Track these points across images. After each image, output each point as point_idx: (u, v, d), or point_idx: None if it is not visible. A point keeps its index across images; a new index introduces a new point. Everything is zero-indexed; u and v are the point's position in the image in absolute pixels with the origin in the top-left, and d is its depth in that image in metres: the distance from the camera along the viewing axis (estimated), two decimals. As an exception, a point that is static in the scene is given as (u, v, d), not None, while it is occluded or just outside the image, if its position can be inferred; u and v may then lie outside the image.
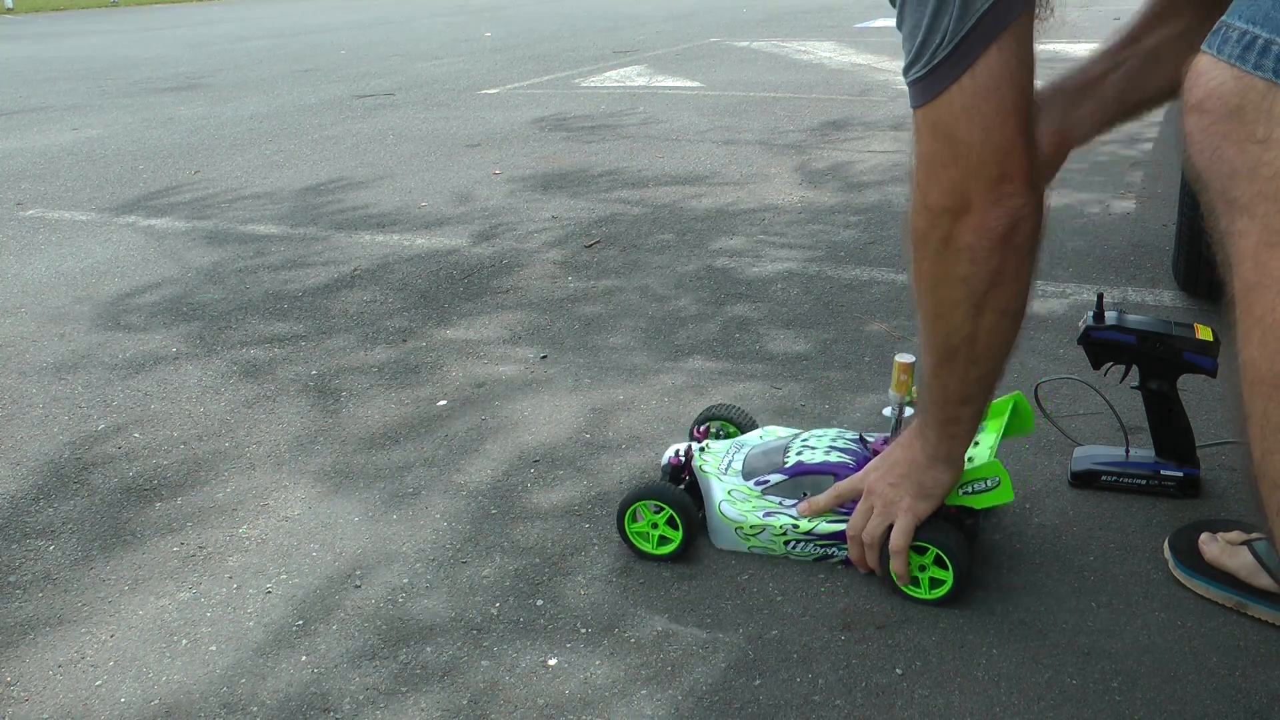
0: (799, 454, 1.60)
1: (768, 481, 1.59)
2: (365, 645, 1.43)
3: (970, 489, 1.47)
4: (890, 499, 1.45)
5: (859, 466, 1.55)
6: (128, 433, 2.10)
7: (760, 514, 1.56)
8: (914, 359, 1.55)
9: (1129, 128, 4.72)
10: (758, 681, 1.33)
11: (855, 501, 1.52)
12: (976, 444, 1.51)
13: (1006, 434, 1.57)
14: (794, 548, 1.55)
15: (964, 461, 1.44)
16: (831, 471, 1.56)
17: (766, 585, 1.51)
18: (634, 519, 1.59)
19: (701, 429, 1.76)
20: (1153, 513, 1.64)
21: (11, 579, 1.63)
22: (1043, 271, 2.84)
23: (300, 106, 6.35)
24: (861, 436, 1.64)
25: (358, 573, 1.60)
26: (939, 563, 1.45)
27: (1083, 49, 7.85)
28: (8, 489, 1.90)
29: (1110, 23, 8.77)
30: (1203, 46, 0.95)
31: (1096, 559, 1.54)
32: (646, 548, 1.58)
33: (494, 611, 1.49)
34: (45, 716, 1.33)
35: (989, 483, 1.46)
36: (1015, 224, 1.18)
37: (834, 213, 3.45)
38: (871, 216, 3.38)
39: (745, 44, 8.76)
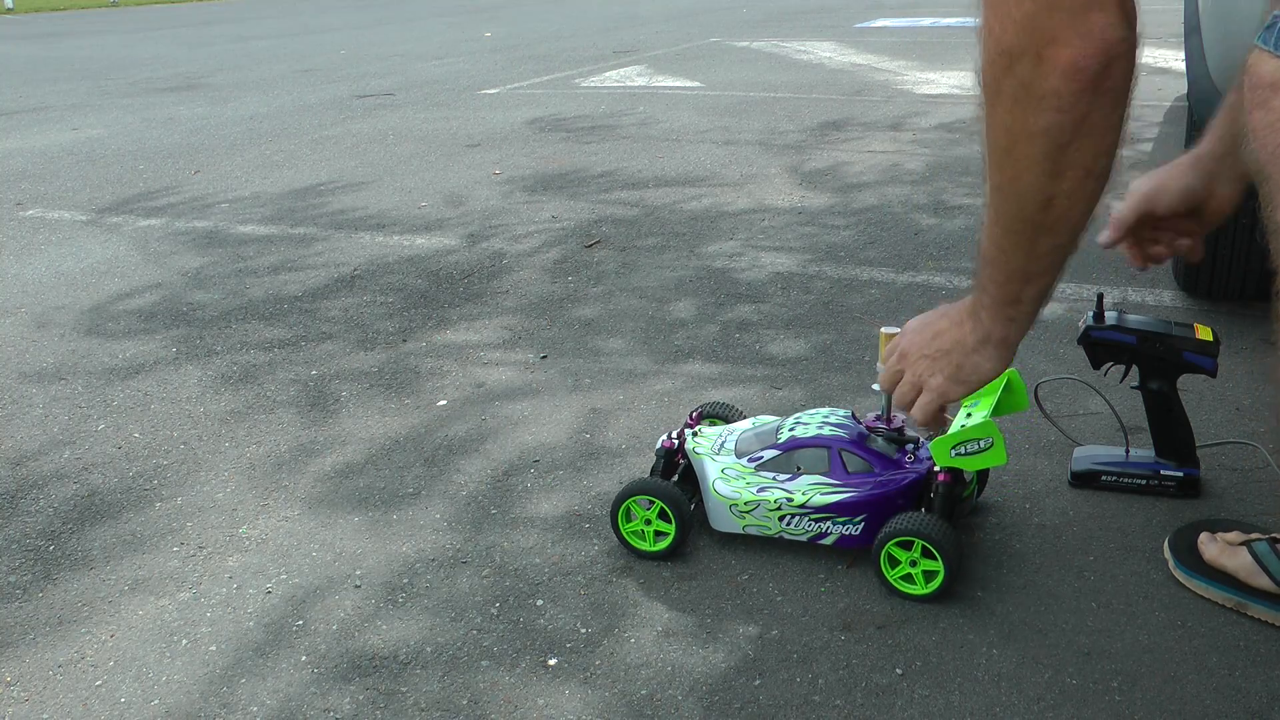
0: (791, 430, 1.61)
1: (761, 458, 1.60)
2: (365, 645, 1.43)
3: (963, 449, 1.47)
4: (923, 371, 1.37)
5: (852, 440, 1.57)
6: (128, 433, 2.10)
7: (754, 489, 1.56)
8: (899, 330, 1.55)
9: (1130, 128, 4.72)
10: (758, 681, 1.33)
11: (849, 473, 1.54)
12: (969, 415, 1.52)
13: (1000, 411, 1.57)
14: (788, 524, 1.56)
15: (1013, 353, 1.34)
16: (825, 444, 1.57)
17: (766, 585, 1.51)
18: (627, 518, 1.59)
19: (695, 414, 1.77)
20: (1153, 513, 1.64)
21: (11, 579, 1.63)
22: (1042, 272, 2.83)
23: (300, 106, 6.35)
24: (854, 413, 1.66)
25: (358, 573, 1.60)
26: (927, 554, 1.45)
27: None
28: (8, 489, 1.90)
29: (1110, 23, 8.75)
30: (1255, 40, 0.93)
31: (1096, 559, 1.54)
32: (645, 546, 1.58)
33: (494, 611, 1.49)
34: (45, 716, 1.33)
35: (983, 444, 1.46)
36: (1109, 62, 0.99)
37: (833, 213, 3.45)
38: (870, 217, 3.38)
39: (745, 44, 8.76)
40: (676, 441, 1.67)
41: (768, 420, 1.70)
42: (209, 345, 2.55)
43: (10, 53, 11.58)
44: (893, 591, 1.48)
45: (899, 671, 1.33)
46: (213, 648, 1.44)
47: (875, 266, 2.89)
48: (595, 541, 1.64)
